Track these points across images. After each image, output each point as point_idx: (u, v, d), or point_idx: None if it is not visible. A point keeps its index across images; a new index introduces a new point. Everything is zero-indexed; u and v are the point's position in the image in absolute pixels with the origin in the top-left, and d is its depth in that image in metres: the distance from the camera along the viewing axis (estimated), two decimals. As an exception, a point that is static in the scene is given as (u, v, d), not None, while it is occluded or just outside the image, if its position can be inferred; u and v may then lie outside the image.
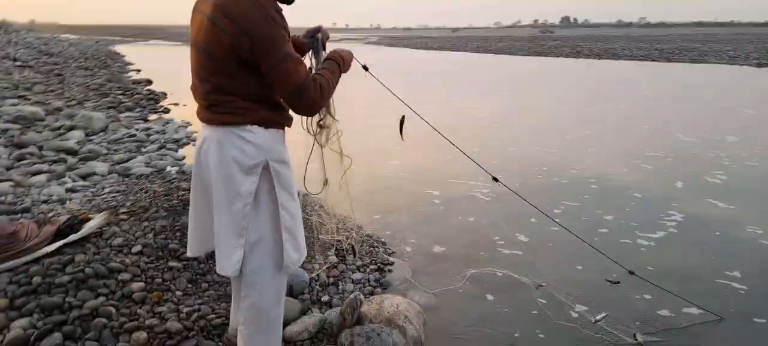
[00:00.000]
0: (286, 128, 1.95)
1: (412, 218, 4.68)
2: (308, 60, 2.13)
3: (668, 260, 3.86)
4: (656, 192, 5.57)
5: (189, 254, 2.08)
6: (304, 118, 2.15)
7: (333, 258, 3.46)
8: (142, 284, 2.73)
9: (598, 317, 2.99)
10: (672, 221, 4.68)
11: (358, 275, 3.34)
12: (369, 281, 3.31)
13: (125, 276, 2.74)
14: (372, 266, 3.51)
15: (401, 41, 65.55)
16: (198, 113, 1.89)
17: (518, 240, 4.19)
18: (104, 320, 2.41)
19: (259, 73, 1.73)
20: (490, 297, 3.25)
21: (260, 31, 1.66)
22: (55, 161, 5.51)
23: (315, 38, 2.12)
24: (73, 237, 2.98)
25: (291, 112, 1.87)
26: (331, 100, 2.18)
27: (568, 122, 10.12)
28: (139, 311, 2.54)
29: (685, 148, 7.78)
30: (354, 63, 2.16)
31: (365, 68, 2.33)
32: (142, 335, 2.36)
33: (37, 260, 2.76)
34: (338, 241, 3.46)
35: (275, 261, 1.89)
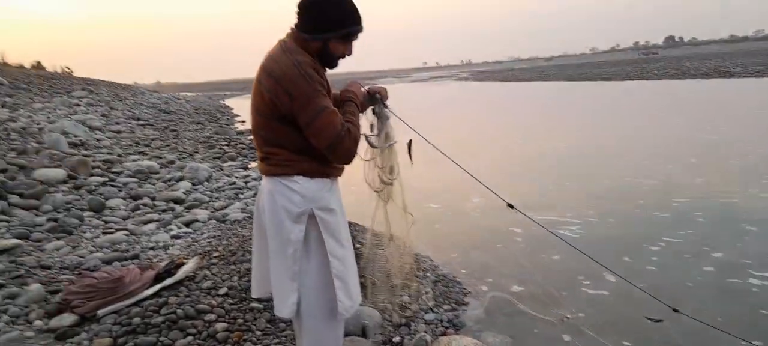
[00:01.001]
0: (337, 177, 2.06)
1: (491, 256, 4.60)
2: (366, 120, 2.17)
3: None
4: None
5: (253, 295, 2.24)
6: (370, 175, 2.22)
7: (406, 298, 3.49)
8: (225, 324, 2.94)
9: None
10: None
11: (430, 316, 3.34)
12: (442, 321, 3.30)
13: (211, 317, 2.98)
14: (446, 306, 3.50)
15: (492, 75, 65.12)
16: (258, 165, 2.07)
17: (607, 280, 3.93)
18: (190, 358, 2.63)
19: (300, 128, 1.86)
20: (566, 338, 3.12)
21: (298, 89, 1.80)
22: (164, 210, 6.09)
23: (375, 98, 2.16)
24: (169, 281, 3.30)
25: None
26: (395, 158, 2.21)
27: (670, 150, 9.43)
28: (221, 350, 2.74)
29: (810, 172, 6.96)
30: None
31: (378, 100, 2.20)
32: (222, 372, 2.54)
33: (137, 303, 3.08)
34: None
35: (329, 307, 1.97)
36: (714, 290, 3.71)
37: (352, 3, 1.91)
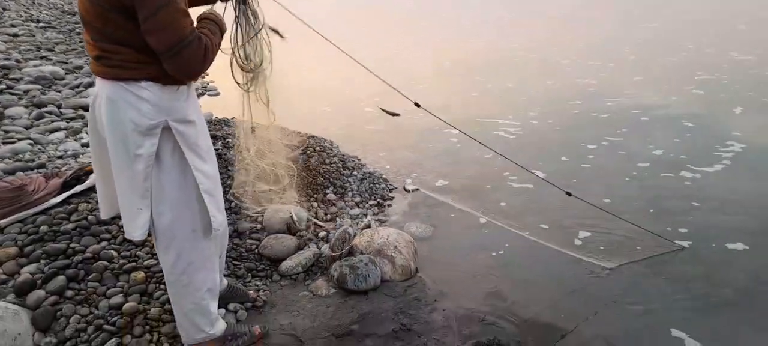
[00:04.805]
0: (192, 83, 1.79)
1: (420, 154, 4.64)
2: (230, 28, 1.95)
3: (719, 193, 3.64)
4: (711, 120, 5.23)
5: (102, 216, 1.95)
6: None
7: (331, 196, 3.51)
8: (142, 228, 2.84)
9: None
10: (729, 151, 4.38)
11: (356, 211, 3.39)
12: (367, 215, 3.35)
13: (127, 221, 2.85)
14: (371, 202, 3.55)
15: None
16: (91, 65, 1.71)
17: (528, 177, 4.04)
18: (105, 262, 2.53)
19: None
20: (482, 221, 3.29)
21: None
22: (72, 118, 5.66)
23: None
24: (78, 188, 3.10)
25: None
26: (258, 42, 2.07)
27: (607, 49, 9.65)
28: (139, 253, 2.66)
29: (742, 68, 7.30)
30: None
31: (277, 33, 2.14)
32: (140, 274, 2.48)
33: (44, 211, 2.89)
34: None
35: (192, 226, 1.81)
36: (644, 183, 3.86)
37: None
